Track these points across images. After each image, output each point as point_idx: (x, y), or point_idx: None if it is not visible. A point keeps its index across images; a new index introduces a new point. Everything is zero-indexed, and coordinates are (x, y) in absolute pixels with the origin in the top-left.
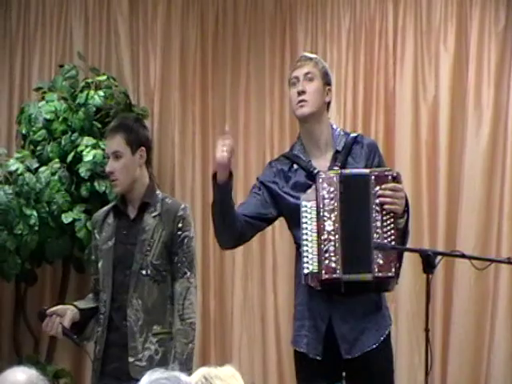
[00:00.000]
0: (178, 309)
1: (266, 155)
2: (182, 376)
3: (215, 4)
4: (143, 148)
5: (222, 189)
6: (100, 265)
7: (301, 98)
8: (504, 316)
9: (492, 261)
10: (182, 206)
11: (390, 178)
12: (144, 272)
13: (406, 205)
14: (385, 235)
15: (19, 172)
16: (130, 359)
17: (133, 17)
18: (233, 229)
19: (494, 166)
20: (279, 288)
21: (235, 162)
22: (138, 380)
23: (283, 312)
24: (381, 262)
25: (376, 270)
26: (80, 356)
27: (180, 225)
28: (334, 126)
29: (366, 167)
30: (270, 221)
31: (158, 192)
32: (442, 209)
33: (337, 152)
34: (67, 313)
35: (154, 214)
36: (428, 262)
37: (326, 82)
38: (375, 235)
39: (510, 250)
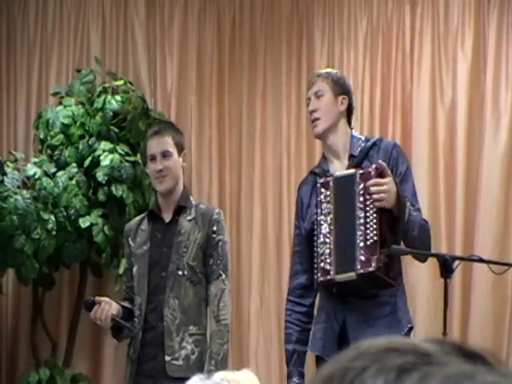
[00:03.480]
0: (213, 310)
1: (283, 158)
2: None
3: (232, 8)
4: (185, 152)
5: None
6: (135, 269)
7: (313, 117)
8: None
9: (510, 265)
10: (217, 210)
11: (373, 173)
12: (180, 272)
13: (399, 198)
14: (367, 231)
15: (37, 176)
16: (167, 358)
17: (150, 21)
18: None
19: (511, 169)
20: None
21: (251, 166)
22: (174, 378)
23: None
24: (362, 258)
25: (358, 267)
26: (98, 360)
27: (215, 228)
28: (355, 134)
29: None
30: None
31: (191, 197)
32: (459, 213)
33: (352, 156)
34: (113, 303)
35: (189, 218)
36: (446, 266)
37: (338, 92)
38: (359, 233)
39: None
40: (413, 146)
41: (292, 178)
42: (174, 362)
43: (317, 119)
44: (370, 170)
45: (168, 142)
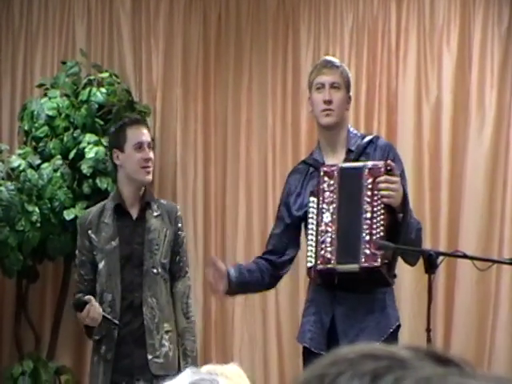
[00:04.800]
0: (182, 307)
1: (268, 154)
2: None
3: (218, 2)
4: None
5: (236, 292)
6: (102, 265)
7: (328, 106)
8: (505, 317)
9: (494, 261)
10: (178, 206)
11: (382, 170)
12: (155, 271)
13: (405, 199)
14: (374, 226)
15: (21, 168)
16: (149, 356)
17: (135, 14)
18: (273, 280)
19: (496, 166)
20: (281, 287)
21: (237, 161)
22: (157, 376)
23: (284, 311)
24: (367, 252)
25: (362, 260)
26: (81, 353)
27: (179, 225)
28: (351, 129)
29: None
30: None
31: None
32: (444, 209)
33: (349, 151)
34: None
35: (155, 214)
36: (430, 262)
37: (348, 91)
38: (364, 226)
39: (511, 251)
40: (398, 143)
41: (277, 172)
42: (156, 359)
43: (331, 110)
44: (379, 165)
45: (149, 134)
